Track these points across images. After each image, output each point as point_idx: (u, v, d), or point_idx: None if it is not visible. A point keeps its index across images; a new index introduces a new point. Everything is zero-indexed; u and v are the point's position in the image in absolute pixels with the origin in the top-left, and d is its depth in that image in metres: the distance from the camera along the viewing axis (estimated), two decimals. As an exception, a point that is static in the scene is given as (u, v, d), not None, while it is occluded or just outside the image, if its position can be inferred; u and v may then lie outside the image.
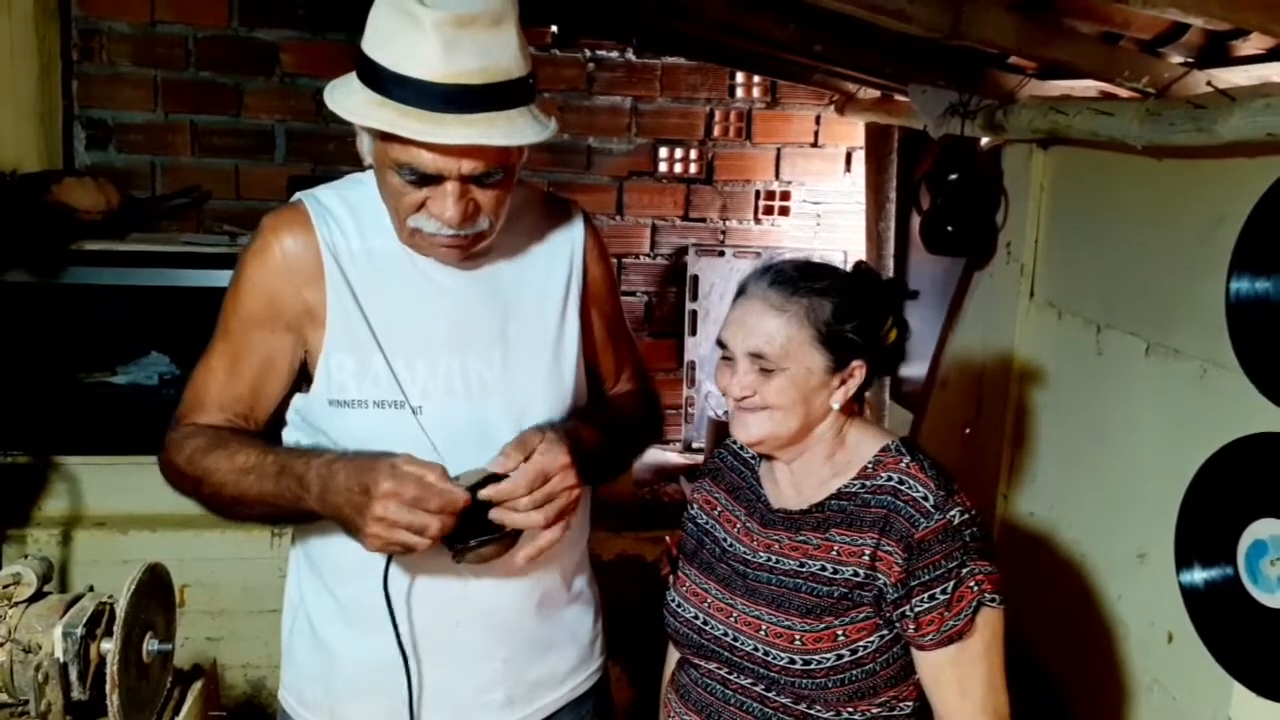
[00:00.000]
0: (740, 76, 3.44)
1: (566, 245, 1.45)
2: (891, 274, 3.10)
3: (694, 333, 3.41)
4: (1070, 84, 2.12)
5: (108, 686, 1.40)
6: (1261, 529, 1.54)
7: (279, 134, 3.22)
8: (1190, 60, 1.76)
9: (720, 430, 3.06)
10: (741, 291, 1.40)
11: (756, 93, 3.47)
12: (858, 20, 1.93)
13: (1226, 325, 1.61)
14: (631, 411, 1.56)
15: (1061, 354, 2.17)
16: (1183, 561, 1.70)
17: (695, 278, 3.42)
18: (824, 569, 1.35)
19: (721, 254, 3.46)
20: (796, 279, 1.35)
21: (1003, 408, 2.34)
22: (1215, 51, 1.72)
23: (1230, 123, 1.51)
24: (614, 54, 3.38)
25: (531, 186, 1.48)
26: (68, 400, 2.49)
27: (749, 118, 3.48)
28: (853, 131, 3.46)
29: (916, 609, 1.30)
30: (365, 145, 1.30)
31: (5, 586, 1.48)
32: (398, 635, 1.32)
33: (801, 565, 1.36)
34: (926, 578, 1.29)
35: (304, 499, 1.24)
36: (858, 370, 1.37)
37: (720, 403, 3.28)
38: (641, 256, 3.49)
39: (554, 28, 3.31)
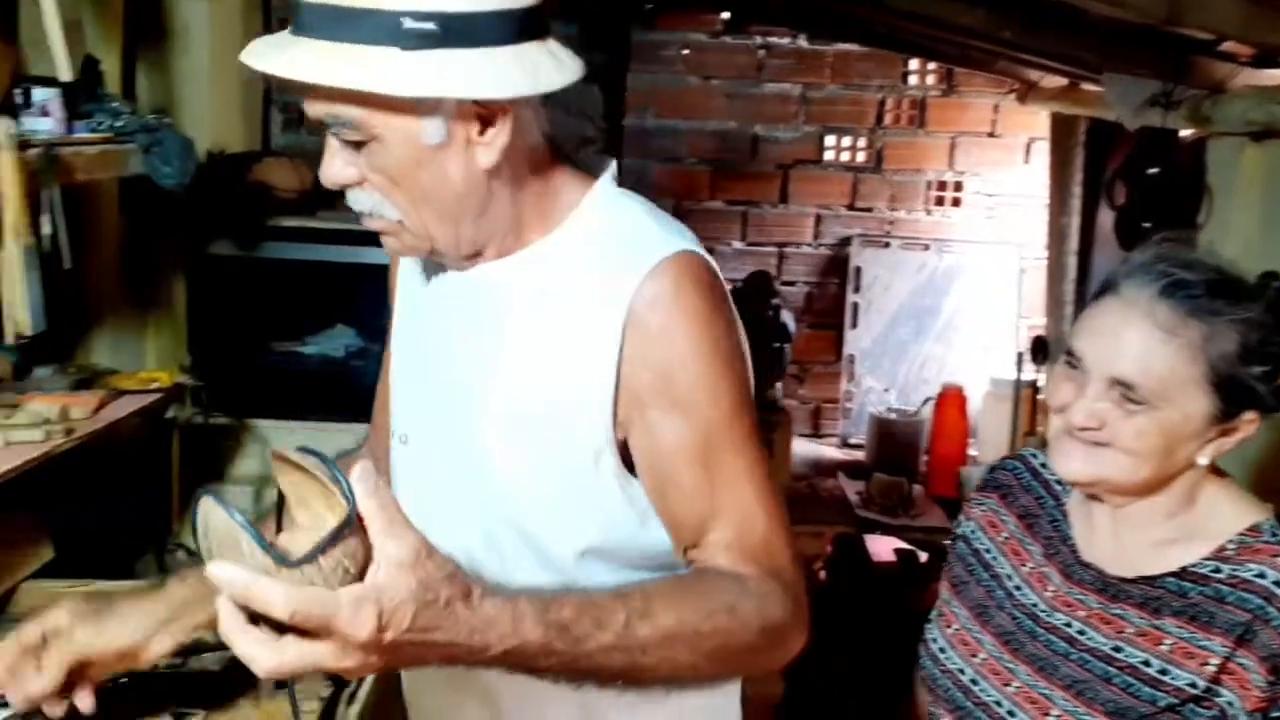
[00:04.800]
0: (914, 63, 3.35)
1: (608, 311, 0.98)
2: (1075, 270, 2.96)
3: (855, 325, 3.35)
4: (1291, 73, 1.96)
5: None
6: None
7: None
8: None
9: (882, 429, 2.99)
10: (1111, 289, 1.08)
11: (931, 80, 3.37)
12: (1057, 5, 1.84)
13: None
14: (701, 604, 0.94)
15: (1268, 364, 2.02)
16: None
17: (859, 269, 3.36)
18: (1148, 664, 1.06)
19: (887, 245, 3.37)
20: (1200, 296, 1.03)
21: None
22: None
23: None
24: (785, 40, 3.33)
25: (633, 216, 1.04)
26: (262, 367, 2.63)
27: (922, 105, 3.37)
28: (1033, 121, 3.31)
29: None
30: None
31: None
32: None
33: (1116, 649, 1.08)
34: None
35: None
36: (1248, 424, 1.06)
37: (883, 400, 3.22)
38: (803, 246, 3.44)
39: (725, 14, 3.30)
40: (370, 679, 1.27)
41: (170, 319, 2.43)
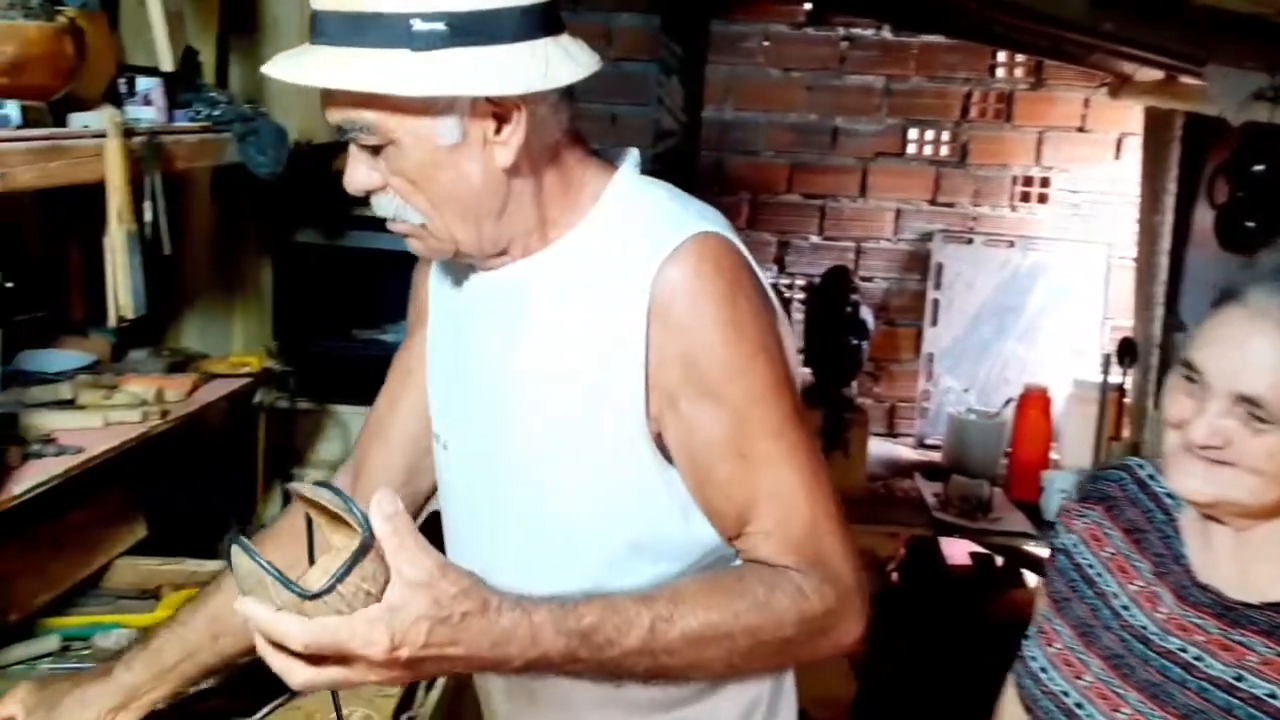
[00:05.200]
0: (1002, 55, 3.27)
1: (631, 302, 0.96)
2: (1166, 271, 2.86)
3: (935, 323, 3.28)
4: None
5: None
6: None
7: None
8: None
9: (961, 430, 2.93)
10: (1235, 296, 0.99)
11: (1019, 73, 3.28)
12: (1164, -5, 1.77)
13: None
14: (730, 603, 0.92)
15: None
16: None
17: (940, 265, 3.29)
18: (1274, 696, 0.99)
19: (970, 241, 3.30)
20: None
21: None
22: None
23: None
24: (869, 32, 3.28)
25: (652, 202, 1.01)
26: (344, 353, 2.68)
27: (1009, 99, 3.29)
28: (1125, 116, 3.20)
29: None
30: None
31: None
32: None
33: (1238, 678, 1.00)
34: None
35: None
36: None
37: (962, 400, 3.15)
38: (883, 241, 3.39)
39: (808, 5, 3.25)
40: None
41: (256, 304, 2.48)
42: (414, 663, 0.79)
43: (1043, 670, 1.13)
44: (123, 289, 1.39)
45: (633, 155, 1.06)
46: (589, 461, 1.00)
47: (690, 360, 0.95)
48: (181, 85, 1.68)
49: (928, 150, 3.33)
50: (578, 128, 1.02)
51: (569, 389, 0.99)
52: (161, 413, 1.58)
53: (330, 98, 0.94)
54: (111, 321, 1.44)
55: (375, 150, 0.94)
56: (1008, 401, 2.95)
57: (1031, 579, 3.18)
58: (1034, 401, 2.83)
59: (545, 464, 1.02)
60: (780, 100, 3.32)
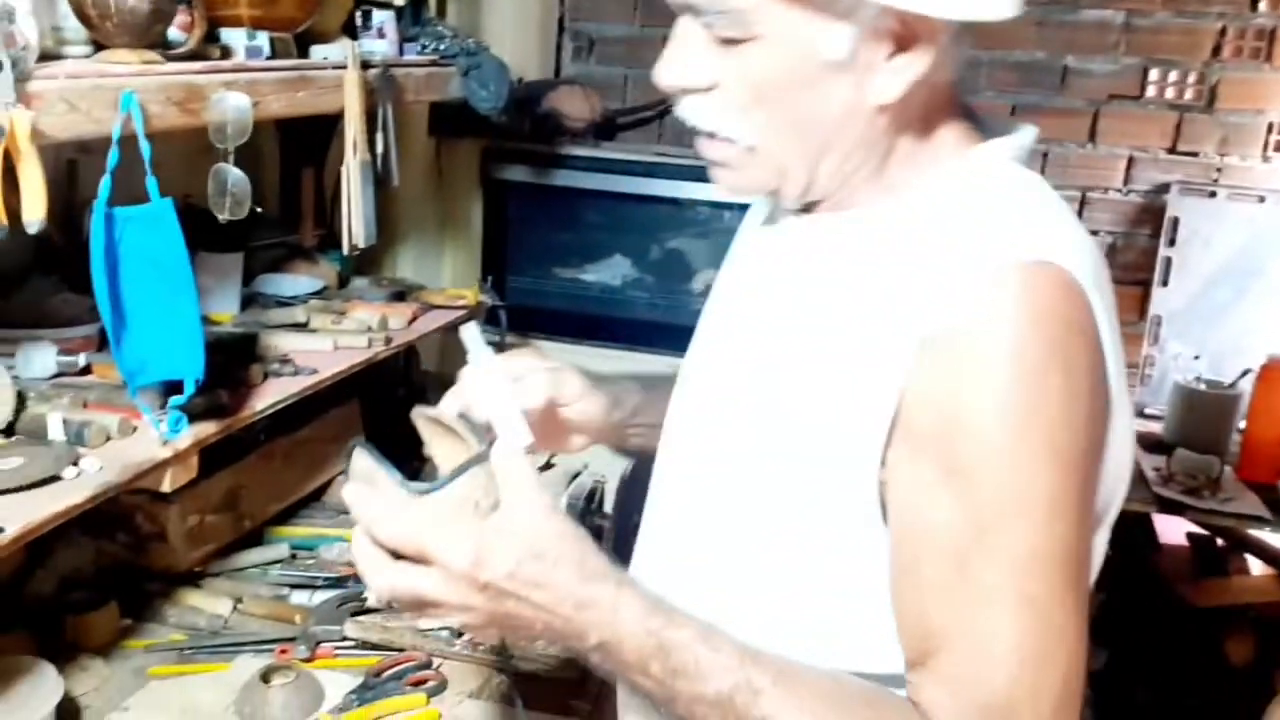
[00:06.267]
0: (1267, -14, 2.92)
1: (912, 316, 0.75)
2: None
3: (1165, 283, 3.01)
4: None
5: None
6: None
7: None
8: None
9: (1189, 400, 2.69)
10: None
11: (1287, 6, 2.93)
12: None
13: None
14: (839, 716, 0.75)
15: None
16: None
17: (1175, 220, 3.00)
18: None
19: (1213, 195, 2.99)
20: None
21: None
22: None
23: None
24: (1113, -39, 3.00)
25: (999, 201, 0.81)
26: (546, 291, 2.73)
27: (1271, 36, 2.94)
28: None
29: None
30: None
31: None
32: None
33: None
34: None
35: None
36: None
37: (1191, 368, 2.89)
38: (1111, 191, 3.13)
39: (1043, -68, 3.00)
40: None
41: (466, 239, 2.55)
42: (493, 592, 0.72)
43: None
44: (356, 218, 1.44)
45: (1021, 134, 0.87)
46: (795, 480, 0.80)
47: (950, 418, 0.72)
48: (410, 19, 1.72)
49: (1169, 93, 3.03)
50: (961, 80, 0.84)
51: (799, 389, 0.80)
52: (385, 339, 1.64)
53: None
54: (345, 249, 1.50)
55: (728, 43, 0.76)
56: (1245, 372, 2.69)
57: (1256, 566, 2.92)
58: (1277, 374, 2.56)
59: (745, 464, 0.84)
60: (1004, 36, 3.10)
